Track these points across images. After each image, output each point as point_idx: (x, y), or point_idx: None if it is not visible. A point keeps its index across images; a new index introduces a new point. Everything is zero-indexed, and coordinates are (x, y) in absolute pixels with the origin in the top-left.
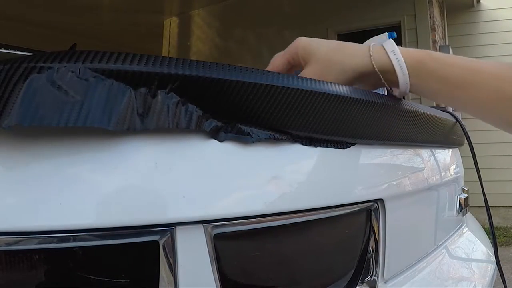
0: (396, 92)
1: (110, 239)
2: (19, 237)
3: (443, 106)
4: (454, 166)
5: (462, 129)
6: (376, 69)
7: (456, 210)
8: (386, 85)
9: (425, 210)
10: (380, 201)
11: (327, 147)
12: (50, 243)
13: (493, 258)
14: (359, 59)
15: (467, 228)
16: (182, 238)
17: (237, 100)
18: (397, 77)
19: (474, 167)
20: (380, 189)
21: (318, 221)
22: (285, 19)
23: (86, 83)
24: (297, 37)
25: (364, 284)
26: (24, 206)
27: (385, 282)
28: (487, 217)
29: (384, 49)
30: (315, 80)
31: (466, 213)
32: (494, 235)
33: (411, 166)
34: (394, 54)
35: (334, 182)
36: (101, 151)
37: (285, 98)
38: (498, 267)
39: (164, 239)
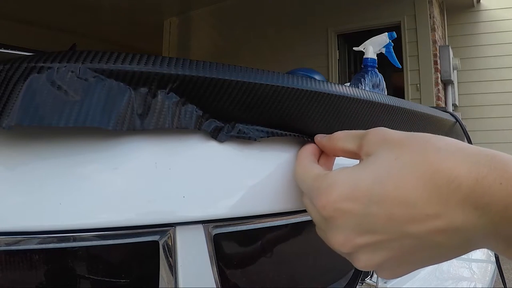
0: None
1: (110, 239)
2: (19, 237)
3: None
4: None
5: (462, 129)
6: None
7: None
8: None
9: None
10: None
11: None
12: (50, 243)
13: (493, 258)
14: None
15: None
16: (182, 238)
17: (237, 100)
18: None
19: None
20: None
21: None
22: (285, 19)
23: (86, 83)
24: (297, 37)
25: (364, 284)
26: (24, 206)
27: (385, 282)
28: None
29: None
30: (314, 80)
31: None
32: None
33: None
34: None
35: None
36: (101, 151)
37: (285, 98)
38: (498, 267)
39: (164, 239)
